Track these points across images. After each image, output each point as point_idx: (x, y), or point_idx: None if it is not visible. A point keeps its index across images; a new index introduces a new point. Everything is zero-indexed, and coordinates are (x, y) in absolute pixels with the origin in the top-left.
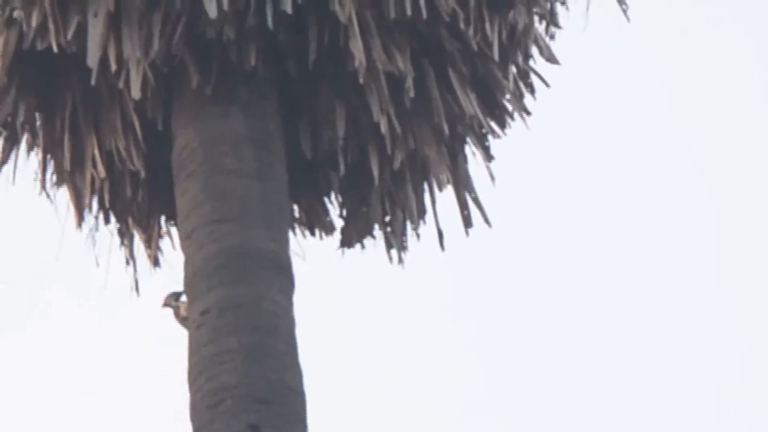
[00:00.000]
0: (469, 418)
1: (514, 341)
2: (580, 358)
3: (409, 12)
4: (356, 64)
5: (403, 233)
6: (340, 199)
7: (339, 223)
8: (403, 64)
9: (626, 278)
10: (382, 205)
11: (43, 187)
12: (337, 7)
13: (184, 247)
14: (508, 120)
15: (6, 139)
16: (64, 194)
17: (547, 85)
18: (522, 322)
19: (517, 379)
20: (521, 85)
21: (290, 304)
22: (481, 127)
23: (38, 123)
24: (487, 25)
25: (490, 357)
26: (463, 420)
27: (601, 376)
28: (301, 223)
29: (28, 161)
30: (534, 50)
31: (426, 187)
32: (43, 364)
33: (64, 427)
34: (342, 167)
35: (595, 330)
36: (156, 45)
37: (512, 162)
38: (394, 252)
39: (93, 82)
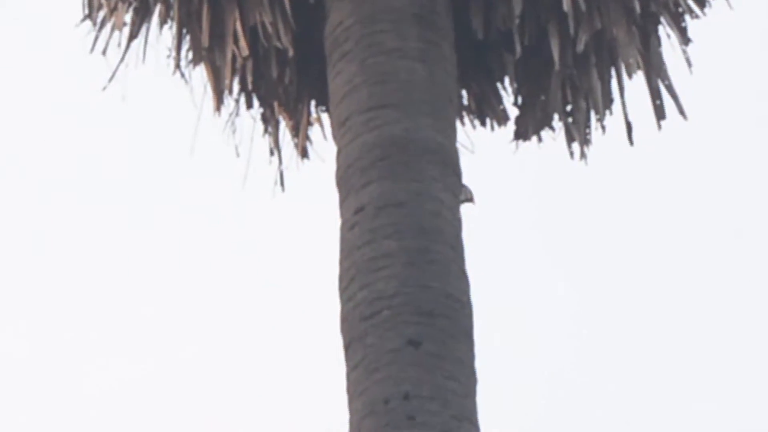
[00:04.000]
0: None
1: (715, 247)
2: None
3: None
4: None
5: (587, 124)
6: (515, 84)
7: (513, 112)
8: None
9: None
10: (562, 93)
11: (178, 65)
12: None
13: (337, 137)
14: None
15: (136, 11)
16: (201, 74)
17: None
18: (718, 225)
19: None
20: None
21: (457, 203)
22: (677, 5)
23: None
24: None
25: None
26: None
27: None
28: (470, 112)
29: (160, 36)
30: None
31: (613, 72)
32: (174, 264)
33: (193, 333)
34: (518, 49)
35: None
36: None
37: (712, 46)
38: (575, 146)
39: None
